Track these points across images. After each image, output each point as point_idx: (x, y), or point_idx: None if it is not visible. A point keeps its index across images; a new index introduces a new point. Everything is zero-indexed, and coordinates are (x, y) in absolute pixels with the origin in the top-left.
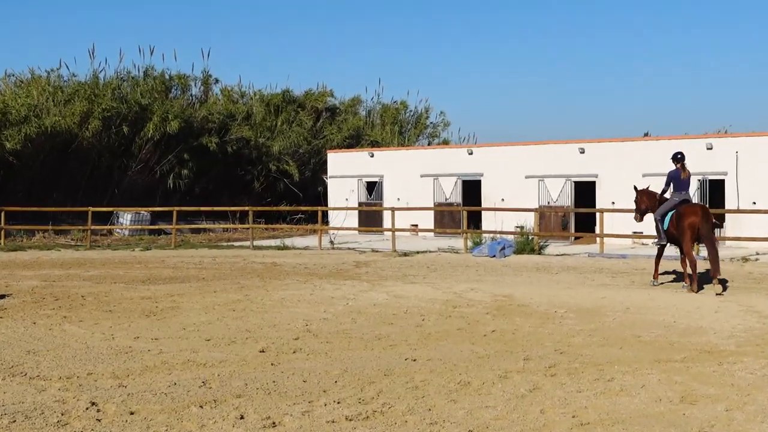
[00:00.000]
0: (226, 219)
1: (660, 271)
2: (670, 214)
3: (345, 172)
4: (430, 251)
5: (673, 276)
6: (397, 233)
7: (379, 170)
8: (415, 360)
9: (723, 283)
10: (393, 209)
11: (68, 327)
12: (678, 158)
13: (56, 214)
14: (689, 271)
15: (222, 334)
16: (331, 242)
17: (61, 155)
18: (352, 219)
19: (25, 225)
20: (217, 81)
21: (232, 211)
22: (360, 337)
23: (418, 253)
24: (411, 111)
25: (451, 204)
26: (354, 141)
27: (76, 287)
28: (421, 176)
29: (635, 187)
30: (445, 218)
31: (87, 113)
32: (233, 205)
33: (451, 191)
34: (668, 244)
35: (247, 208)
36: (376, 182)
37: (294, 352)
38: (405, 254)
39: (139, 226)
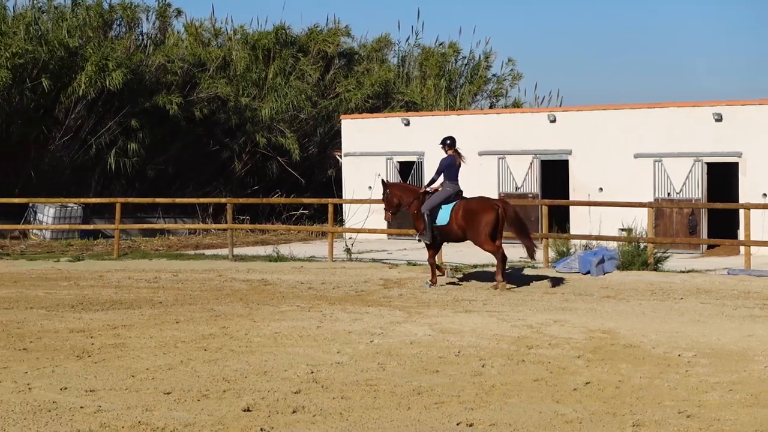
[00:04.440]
0: (194, 216)
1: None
2: (448, 207)
3: (368, 147)
4: (494, 265)
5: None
6: None
7: (419, 145)
8: (471, 425)
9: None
10: None
11: None
12: (448, 143)
13: None
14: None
15: (188, 385)
16: (348, 251)
17: None
18: (379, 216)
19: None
20: (179, 13)
21: (202, 204)
22: (391, 390)
23: (475, 267)
24: (464, 58)
25: (524, 196)
26: (381, 102)
27: None
28: (480, 154)
29: (383, 181)
30: None
31: None
32: (204, 195)
33: (525, 177)
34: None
35: (224, 201)
36: (413, 162)
37: (294, 412)
38: (456, 269)
39: (67, 226)
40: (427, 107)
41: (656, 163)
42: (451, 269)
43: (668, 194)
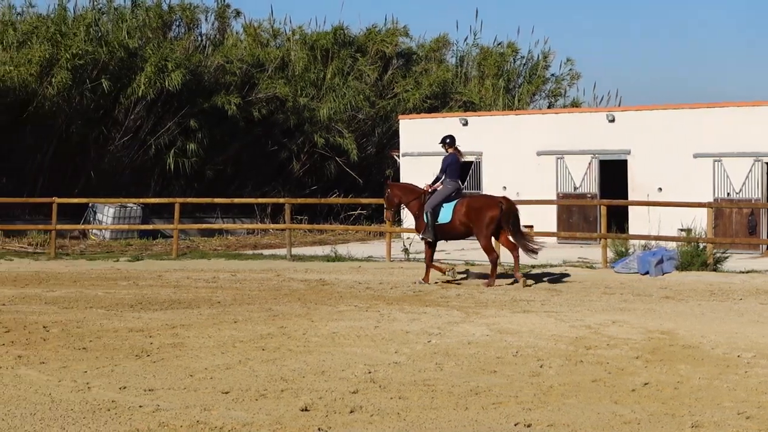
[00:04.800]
0: (252, 216)
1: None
2: (450, 205)
3: (425, 147)
4: (552, 265)
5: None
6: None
7: (476, 145)
8: (529, 426)
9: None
10: None
11: (24, 371)
12: (448, 142)
13: (5, 207)
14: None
15: (246, 385)
16: (406, 251)
17: (13, 122)
18: None
19: None
20: (238, 14)
21: (260, 204)
22: (448, 390)
23: (533, 267)
24: (523, 57)
25: (583, 196)
26: (439, 102)
27: (36, 314)
28: (539, 154)
29: (385, 182)
30: (575, 216)
31: (50, 61)
32: (262, 195)
33: (584, 176)
34: (438, 240)
35: (282, 201)
36: (471, 162)
37: (351, 412)
38: (452, 268)
39: (126, 226)
40: (486, 107)
41: (716, 162)
42: (451, 269)
43: (728, 194)
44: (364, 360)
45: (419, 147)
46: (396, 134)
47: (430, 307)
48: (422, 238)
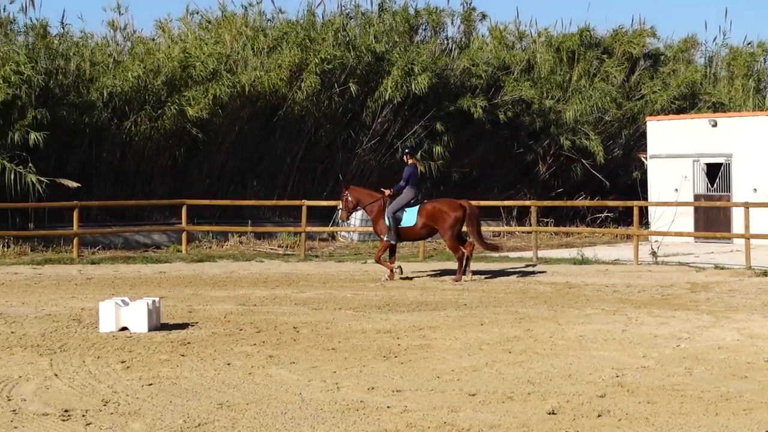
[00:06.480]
0: (498, 218)
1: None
2: (413, 210)
3: (674, 149)
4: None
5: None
6: (753, 241)
7: (726, 146)
8: None
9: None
10: (747, 205)
11: (275, 371)
12: (408, 153)
13: (257, 209)
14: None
15: (493, 387)
16: (653, 254)
17: (264, 126)
18: (685, 219)
19: (214, 225)
20: (483, 17)
21: (506, 206)
22: (698, 395)
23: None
24: None
25: None
26: (687, 103)
27: (286, 315)
28: None
29: (343, 185)
30: None
31: (299, 66)
32: (507, 198)
33: None
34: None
35: (528, 203)
36: (721, 164)
37: (599, 416)
38: (766, 273)
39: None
40: (735, 108)
41: None
42: (397, 269)
43: None
44: (612, 364)
45: (667, 149)
46: (643, 136)
47: (678, 310)
48: (387, 241)
